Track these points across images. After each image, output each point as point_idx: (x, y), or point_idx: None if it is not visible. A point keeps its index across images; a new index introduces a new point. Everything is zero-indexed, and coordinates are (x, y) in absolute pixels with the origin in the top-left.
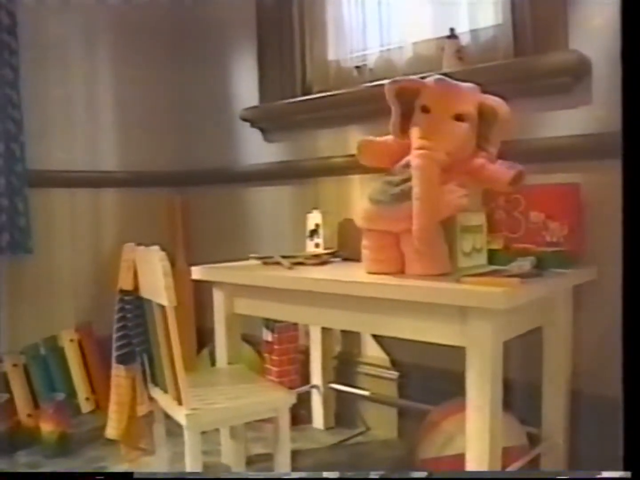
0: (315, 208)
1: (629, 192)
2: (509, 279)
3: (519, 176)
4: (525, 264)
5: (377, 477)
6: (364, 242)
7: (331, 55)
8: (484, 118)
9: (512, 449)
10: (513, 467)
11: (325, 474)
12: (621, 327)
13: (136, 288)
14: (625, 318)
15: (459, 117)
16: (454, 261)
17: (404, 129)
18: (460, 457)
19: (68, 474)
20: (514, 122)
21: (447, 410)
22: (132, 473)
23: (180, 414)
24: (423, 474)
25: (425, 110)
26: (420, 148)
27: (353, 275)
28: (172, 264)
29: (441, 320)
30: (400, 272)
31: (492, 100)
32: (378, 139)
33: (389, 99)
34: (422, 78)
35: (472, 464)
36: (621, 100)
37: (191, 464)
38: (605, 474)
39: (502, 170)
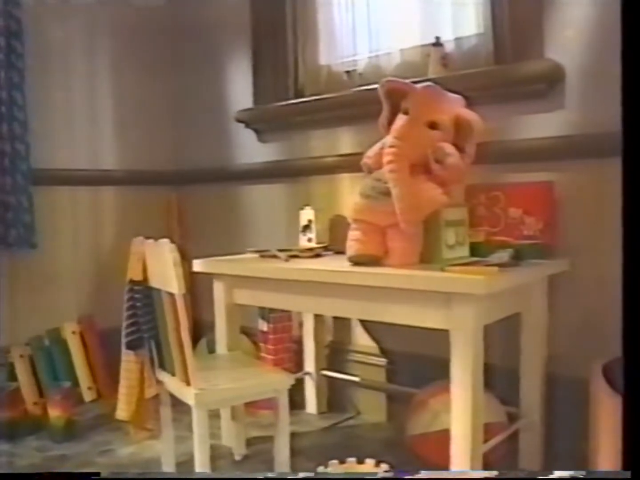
0: (308, 205)
1: (628, 191)
2: (488, 268)
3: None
4: (504, 255)
5: (377, 477)
6: (352, 229)
7: (323, 60)
8: (460, 130)
9: (493, 425)
10: (493, 442)
11: (326, 474)
12: (621, 327)
13: (145, 278)
14: (625, 318)
15: (432, 125)
16: (438, 252)
17: (391, 125)
18: (446, 433)
19: (69, 474)
20: (486, 132)
21: (433, 390)
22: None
23: (188, 394)
24: (421, 474)
25: (405, 112)
26: (392, 145)
27: (346, 265)
28: (182, 256)
29: (427, 306)
30: (380, 260)
31: (469, 114)
32: (374, 148)
33: (380, 96)
34: (415, 83)
35: (457, 439)
36: (621, 101)
37: (199, 442)
38: (604, 472)
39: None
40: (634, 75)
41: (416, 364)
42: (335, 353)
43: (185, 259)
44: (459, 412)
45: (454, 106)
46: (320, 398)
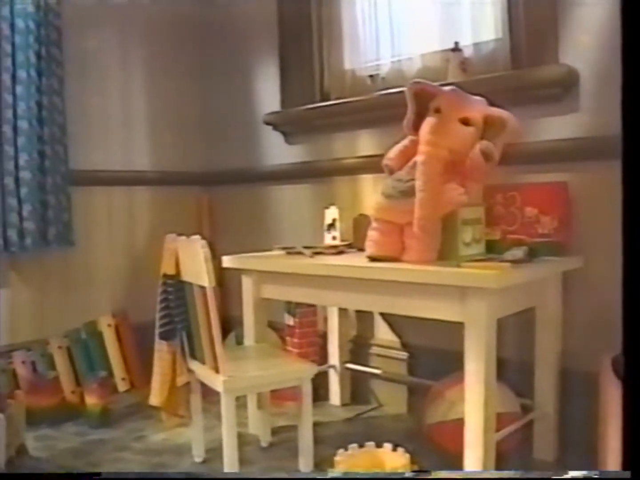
0: (332, 204)
1: (628, 191)
2: (500, 264)
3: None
4: (518, 253)
5: (378, 477)
6: (372, 228)
7: (347, 65)
8: (492, 128)
9: (506, 415)
10: (506, 431)
11: (327, 474)
12: (622, 327)
13: (178, 273)
14: (625, 319)
15: (465, 121)
16: (455, 250)
17: (416, 127)
18: (461, 422)
19: (69, 474)
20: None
21: (449, 381)
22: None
23: (217, 381)
24: (430, 475)
25: (437, 111)
26: (427, 143)
27: (365, 261)
28: (212, 253)
29: (443, 300)
30: (397, 259)
31: (501, 112)
32: (395, 149)
33: (407, 97)
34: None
35: (470, 427)
36: (621, 103)
37: (227, 427)
38: (604, 473)
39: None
40: (635, 77)
41: (436, 357)
42: (359, 347)
43: (215, 255)
44: (472, 402)
45: (482, 106)
46: (343, 390)
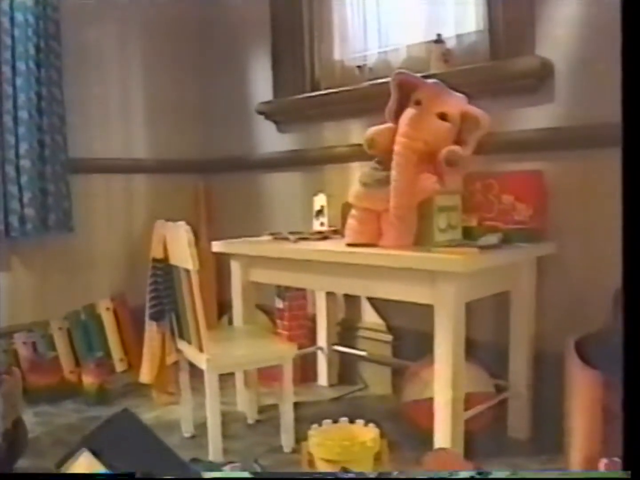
0: (321, 191)
1: (628, 183)
2: (468, 249)
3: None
4: (492, 239)
5: (377, 476)
6: (350, 216)
7: (337, 55)
8: (467, 125)
9: (478, 394)
10: (476, 410)
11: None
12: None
13: (166, 257)
14: (626, 318)
15: (443, 117)
16: (430, 235)
17: (397, 115)
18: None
19: (70, 474)
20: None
21: (424, 362)
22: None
23: (201, 360)
24: (423, 474)
25: (417, 103)
26: (403, 135)
27: (345, 247)
28: (196, 238)
29: (415, 284)
30: (375, 245)
31: (476, 111)
32: (382, 127)
33: (391, 87)
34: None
35: (440, 406)
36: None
37: (210, 403)
38: (605, 473)
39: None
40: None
41: (419, 340)
42: (346, 330)
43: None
44: (441, 381)
45: (461, 102)
46: (331, 371)
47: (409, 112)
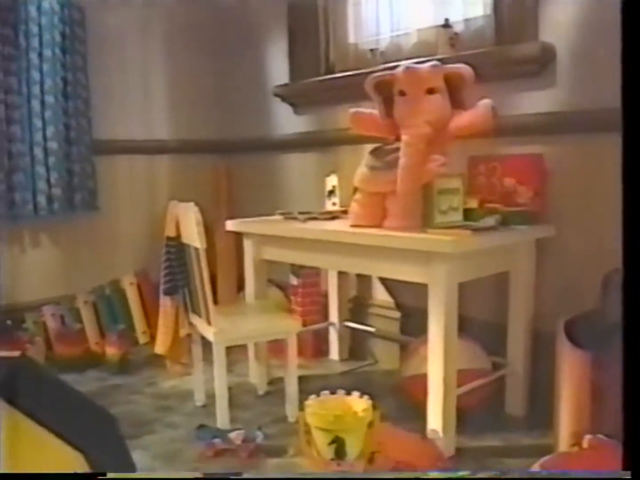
0: (333, 172)
1: (627, 168)
2: (461, 231)
3: (494, 109)
4: (490, 221)
5: (384, 477)
6: (354, 200)
7: (351, 39)
8: (453, 84)
9: (473, 371)
10: (470, 386)
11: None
12: (622, 327)
13: (178, 235)
14: (626, 318)
15: (430, 91)
16: (431, 217)
17: (388, 113)
18: None
19: (70, 474)
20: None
21: (423, 339)
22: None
23: (210, 332)
24: (437, 475)
25: (402, 94)
26: (407, 126)
27: (349, 227)
28: (216, 217)
29: (412, 263)
30: (379, 226)
31: (456, 67)
32: (366, 110)
33: (369, 92)
34: (424, 62)
35: (432, 381)
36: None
37: (218, 373)
38: (604, 473)
39: (478, 112)
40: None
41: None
42: (358, 306)
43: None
44: (433, 357)
45: (437, 69)
46: (342, 346)
47: (400, 105)
